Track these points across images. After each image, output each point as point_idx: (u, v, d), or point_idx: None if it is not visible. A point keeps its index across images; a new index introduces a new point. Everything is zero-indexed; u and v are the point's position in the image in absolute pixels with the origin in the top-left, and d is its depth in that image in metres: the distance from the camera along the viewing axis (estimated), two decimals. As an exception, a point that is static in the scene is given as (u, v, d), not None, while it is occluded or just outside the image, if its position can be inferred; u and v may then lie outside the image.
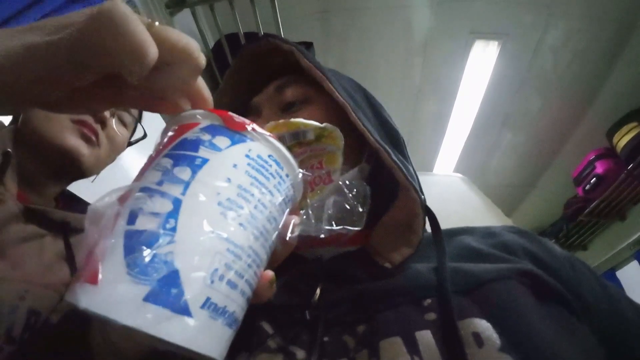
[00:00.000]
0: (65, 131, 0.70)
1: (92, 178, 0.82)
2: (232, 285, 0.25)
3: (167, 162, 0.27)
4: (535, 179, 3.26)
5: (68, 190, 0.82)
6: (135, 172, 0.29)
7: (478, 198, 1.55)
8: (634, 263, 2.46)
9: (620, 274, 2.57)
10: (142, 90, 0.32)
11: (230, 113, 0.31)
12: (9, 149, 0.65)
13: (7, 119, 0.78)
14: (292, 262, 0.36)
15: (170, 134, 0.30)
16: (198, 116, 0.30)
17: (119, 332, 0.36)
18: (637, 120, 2.40)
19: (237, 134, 0.30)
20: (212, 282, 0.24)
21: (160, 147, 0.29)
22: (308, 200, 0.44)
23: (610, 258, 2.64)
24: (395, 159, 0.47)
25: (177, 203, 0.25)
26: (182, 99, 0.34)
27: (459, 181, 1.66)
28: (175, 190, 0.25)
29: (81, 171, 0.74)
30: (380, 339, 0.36)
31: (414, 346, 0.35)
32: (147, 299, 0.22)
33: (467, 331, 0.35)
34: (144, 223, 0.24)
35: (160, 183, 0.26)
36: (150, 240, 0.23)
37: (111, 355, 0.39)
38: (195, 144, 0.28)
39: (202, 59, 0.31)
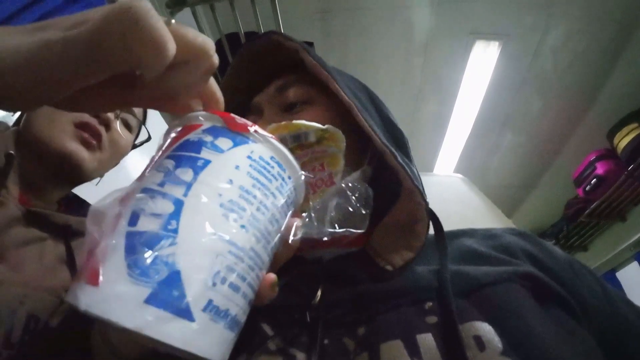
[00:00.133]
0: (65, 136, 0.69)
1: (96, 181, 0.82)
2: (234, 287, 0.25)
3: (169, 163, 0.27)
4: (535, 180, 3.26)
5: (71, 192, 0.82)
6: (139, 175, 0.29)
7: (478, 199, 1.55)
8: (634, 264, 2.46)
9: (621, 274, 2.57)
10: (154, 89, 0.31)
11: (232, 115, 0.31)
12: (12, 151, 0.65)
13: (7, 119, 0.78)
14: (292, 263, 0.36)
15: (172, 135, 0.30)
16: (200, 118, 0.30)
17: (119, 333, 0.36)
18: (637, 121, 2.40)
19: (239, 135, 0.30)
20: (214, 284, 0.24)
21: (163, 149, 0.29)
22: (310, 203, 0.43)
23: (611, 259, 2.64)
24: (401, 162, 0.46)
25: (179, 204, 0.25)
26: (193, 100, 0.33)
27: (459, 182, 1.66)
28: (177, 192, 0.25)
29: (82, 176, 0.74)
30: (380, 341, 0.36)
31: (415, 349, 0.35)
32: (148, 301, 0.21)
33: (469, 334, 0.35)
34: (145, 224, 0.24)
35: (162, 184, 0.25)
36: (152, 241, 0.23)
37: (111, 357, 0.39)
38: (197, 145, 0.28)
39: (216, 59, 0.31)
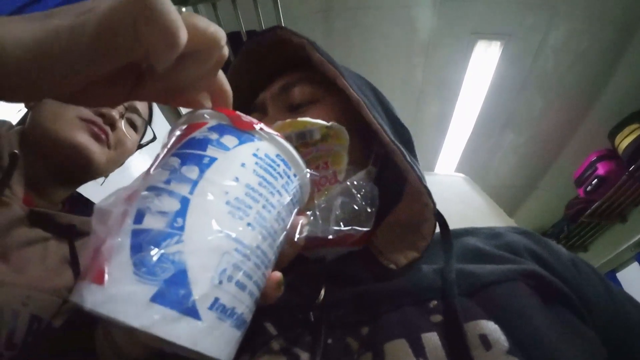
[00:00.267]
0: (74, 128, 0.69)
1: (100, 181, 0.81)
2: (240, 286, 0.25)
3: (175, 161, 0.27)
4: (536, 180, 3.26)
5: (76, 192, 0.81)
6: None
7: (480, 198, 1.55)
8: (635, 265, 2.46)
9: (621, 275, 2.57)
10: (163, 81, 0.31)
11: (238, 112, 0.31)
12: (16, 151, 0.64)
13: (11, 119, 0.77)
14: (295, 262, 0.36)
15: (177, 133, 0.30)
16: (206, 115, 0.30)
17: (124, 333, 0.36)
18: (639, 122, 2.40)
19: (245, 133, 0.29)
20: (221, 282, 0.23)
21: (168, 147, 0.29)
22: (315, 201, 0.43)
23: (611, 259, 2.64)
24: (410, 161, 0.46)
25: (185, 202, 0.24)
26: (202, 93, 0.33)
27: (461, 181, 1.66)
28: (183, 189, 0.25)
29: (91, 170, 0.73)
30: (384, 341, 0.36)
31: (420, 349, 0.34)
32: (154, 299, 0.21)
33: (474, 333, 0.34)
34: (151, 222, 0.23)
35: (168, 182, 0.25)
36: (158, 239, 0.23)
37: (115, 357, 0.39)
38: (203, 143, 0.28)
39: (227, 50, 0.30)
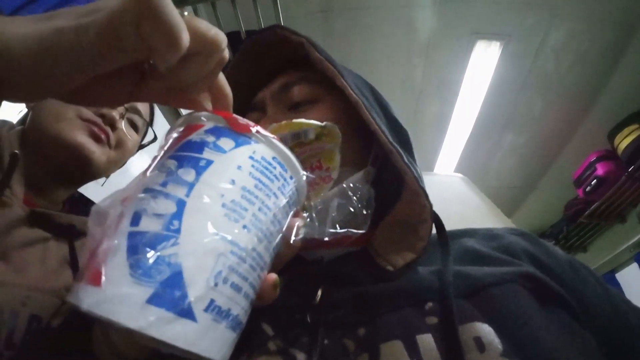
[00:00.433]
0: (74, 128, 0.69)
1: (101, 181, 0.81)
2: (236, 288, 0.25)
3: (172, 164, 0.27)
4: (536, 180, 3.26)
5: (77, 192, 0.81)
6: None
7: (478, 198, 1.55)
8: (634, 265, 2.45)
9: (620, 276, 2.56)
10: (164, 82, 0.31)
11: (234, 115, 0.31)
12: (16, 151, 0.64)
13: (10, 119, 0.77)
14: (292, 263, 0.36)
15: (174, 135, 0.30)
16: (202, 118, 0.30)
17: (121, 333, 0.36)
18: (638, 123, 2.40)
19: (241, 135, 0.30)
20: (216, 284, 0.24)
21: (165, 149, 0.29)
22: (312, 203, 0.43)
23: (610, 260, 2.63)
24: (408, 162, 0.46)
25: (181, 204, 0.25)
26: (202, 95, 0.33)
27: (459, 181, 1.66)
28: (179, 192, 0.25)
29: (91, 171, 0.73)
30: (380, 342, 0.36)
31: (415, 350, 0.34)
32: (150, 301, 0.21)
33: (469, 335, 0.35)
34: (147, 224, 0.24)
35: (164, 184, 0.25)
36: (154, 241, 0.23)
37: (113, 357, 0.39)
38: (199, 146, 0.28)
39: (227, 53, 0.30)
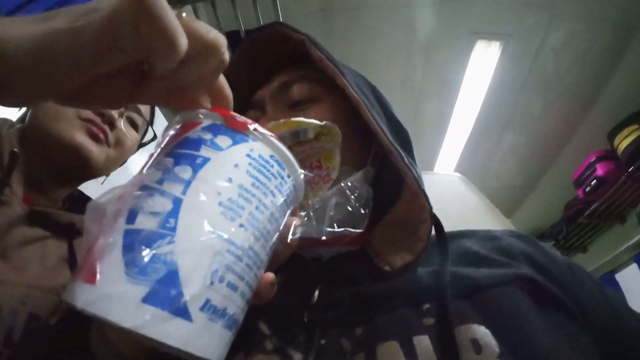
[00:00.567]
0: (73, 128, 0.69)
1: (101, 180, 0.81)
2: (232, 286, 0.25)
3: (168, 161, 0.27)
4: (535, 181, 3.26)
5: (77, 190, 0.81)
6: None
7: (477, 198, 1.55)
8: (634, 266, 2.45)
9: (620, 276, 2.56)
10: (163, 84, 0.31)
11: (232, 112, 0.31)
12: (16, 149, 0.64)
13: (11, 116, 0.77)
14: (291, 262, 0.36)
15: (171, 132, 0.30)
16: (200, 115, 0.30)
17: (118, 332, 0.36)
18: (638, 123, 2.40)
19: (238, 133, 0.29)
20: (212, 283, 0.23)
21: (162, 146, 0.29)
22: (309, 202, 0.43)
23: (610, 261, 2.63)
24: (408, 163, 0.46)
25: (177, 202, 0.24)
26: (203, 96, 0.33)
27: (458, 181, 1.66)
28: (175, 189, 0.25)
29: (90, 170, 0.73)
30: (377, 342, 0.36)
31: (412, 351, 0.34)
32: (145, 300, 0.21)
33: (466, 337, 0.34)
34: (143, 222, 0.23)
35: (160, 182, 0.25)
36: (150, 239, 0.23)
37: (111, 355, 0.39)
38: (196, 143, 0.28)
39: (227, 55, 0.30)
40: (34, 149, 0.69)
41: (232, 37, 1.51)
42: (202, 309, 0.23)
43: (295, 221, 0.33)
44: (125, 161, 0.85)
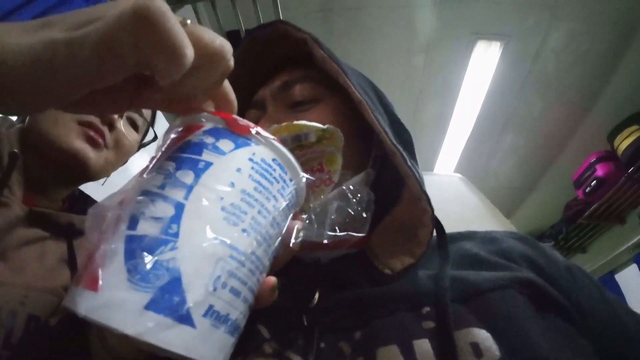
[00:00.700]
0: (71, 134, 0.68)
1: (102, 181, 0.80)
2: (234, 292, 0.25)
3: (170, 165, 0.26)
4: (535, 181, 3.26)
5: (77, 189, 0.81)
6: None
7: (477, 199, 1.55)
8: (633, 266, 2.46)
9: (619, 277, 2.57)
10: (166, 92, 0.30)
11: (234, 116, 0.30)
12: (15, 150, 0.63)
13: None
14: (289, 265, 0.36)
15: (172, 136, 0.29)
16: (202, 119, 0.30)
17: (118, 337, 0.36)
18: (638, 124, 2.41)
19: (241, 137, 0.29)
20: (215, 289, 0.23)
21: (163, 150, 0.28)
22: (311, 205, 0.43)
23: (610, 261, 2.64)
24: (410, 165, 0.46)
25: (179, 208, 0.24)
26: (206, 102, 0.32)
27: (458, 181, 1.66)
28: (178, 195, 0.25)
29: (88, 175, 0.73)
30: (377, 346, 0.35)
31: (411, 355, 0.34)
32: (148, 306, 0.21)
33: (466, 341, 0.34)
34: (145, 228, 0.23)
35: (162, 187, 0.25)
36: (152, 246, 0.22)
37: (109, 358, 0.39)
38: (198, 147, 0.27)
39: (232, 62, 0.29)
40: (34, 150, 0.68)
41: (232, 37, 1.50)
42: (205, 315, 0.23)
43: (297, 225, 0.33)
44: (126, 162, 0.84)
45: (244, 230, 0.26)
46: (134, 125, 0.80)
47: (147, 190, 0.25)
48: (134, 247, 0.22)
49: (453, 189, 1.58)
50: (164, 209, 0.24)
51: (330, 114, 0.51)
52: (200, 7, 1.56)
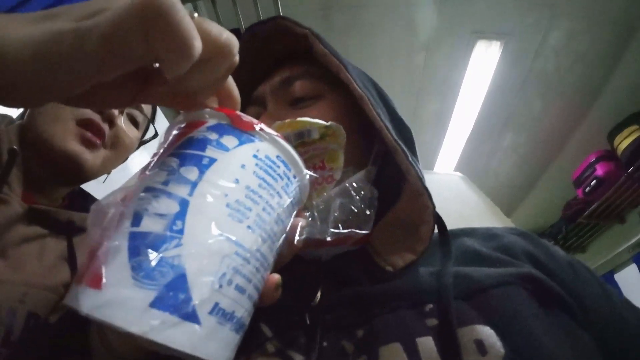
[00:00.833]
0: (68, 136, 0.67)
1: (102, 177, 0.80)
2: (240, 289, 0.24)
3: (174, 162, 0.26)
4: (535, 180, 3.26)
5: (78, 187, 0.80)
6: None
7: (477, 197, 1.55)
8: (633, 266, 2.46)
9: (619, 276, 2.57)
10: (169, 87, 0.29)
11: (238, 112, 0.30)
12: (15, 147, 0.63)
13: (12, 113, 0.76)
14: (291, 262, 0.35)
15: (175, 132, 0.29)
16: (205, 115, 0.29)
17: (120, 335, 0.36)
18: (638, 123, 2.41)
19: (244, 133, 0.29)
20: (221, 286, 0.23)
21: (165, 146, 0.28)
22: (314, 202, 0.43)
23: (609, 261, 2.64)
24: (412, 161, 0.45)
25: (184, 204, 0.24)
26: (210, 98, 0.32)
27: (458, 180, 1.66)
28: (182, 191, 0.24)
29: (84, 176, 0.72)
30: (379, 344, 0.35)
31: (415, 353, 0.34)
32: (153, 304, 0.21)
33: (470, 338, 0.34)
34: (149, 225, 0.23)
35: (166, 183, 0.25)
36: (157, 242, 0.22)
37: (109, 356, 0.38)
38: (202, 143, 0.27)
39: (238, 57, 0.29)
40: (33, 149, 0.68)
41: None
42: (210, 312, 0.22)
43: (301, 222, 0.33)
44: (126, 159, 0.84)
45: (249, 227, 0.25)
46: (134, 122, 0.80)
47: (150, 186, 0.25)
48: (138, 244, 0.22)
49: (453, 188, 1.58)
50: (168, 206, 0.24)
51: (332, 111, 0.50)
52: (201, 5, 1.55)
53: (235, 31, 1.46)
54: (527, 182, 3.30)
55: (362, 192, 0.44)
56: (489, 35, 2.22)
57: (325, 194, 0.45)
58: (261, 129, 0.29)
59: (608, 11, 2.02)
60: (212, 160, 0.26)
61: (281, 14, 1.37)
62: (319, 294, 0.42)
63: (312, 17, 2.12)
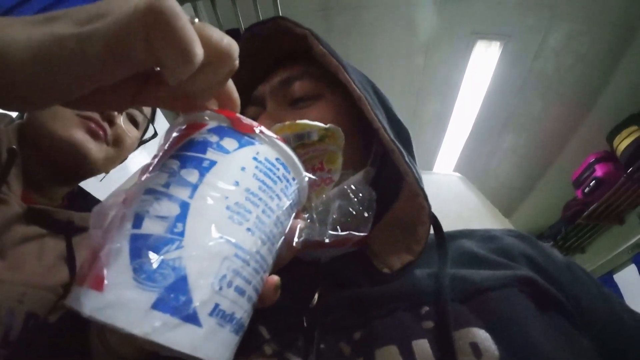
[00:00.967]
0: (71, 126, 0.67)
1: (100, 177, 0.80)
2: (239, 291, 0.25)
3: (174, 164, 0.26)
4: (534, 181, 3.27)
5: (77, 186, 0.80)
6: None
7: (476, 198, 1.55)
8: (632, 267, 2.47)
9: (618, 277, 2.57)
10: (169, 90, 0.29)
11: (238, 114, 0.30)
12: (14, 146, 0.63)
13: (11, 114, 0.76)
14: (289, 263, 0.35)
15: (175, 134, 0.29)
16: (205, 117, 0.29)
17: (120, 336, 0.36)
18: (637, 124, 2.41)
19: (244, 136, 0.29)
20: (221, 288, 0.23)
21: (166, 148, 0.28)
22: (312, 204, 0.43)
23: (608, 261, 2.64)
24: (409, 162, 0.45)
25: (185, 206, 0.24)
26: (210, 101, 0.32)
27: (457, 180, 1.66)
28: (183, 193, 0.24)
29: (89, 168, 0.72)
30: (376, 347, 0.35)
31: (411, 355, 0.34)
32: (154, 306, 0.21)
33: (465, 341, 0.34)
34: (150, 227, 0.23)
35: (167, 185, 0.25)
36: (158, 244, 0.22)
37: (109, 356, 0.39)
38: (202, 146, 0.27)
39: (238, 62, 0.29)
40: (33, 147, 0.68)
41: (232, 36, 1.50)
42: (211, 314, 0.23)
43: (300, 224, 0.33)
44: (125, 159, 0.84)
45: (248, 229, 0.26)
46: (133, 121, 0.80)
47: (151, 188, 0.25)
48: (139, 246, 0.22)
49: (452, 188, 1.58)
50: (169, 208, 0.24)
51: (331, 112, 0.51)
52: (200, 5, 1.55)
53: (235, 31, 1.47)
54: (526, 183, 3.30)
55: (361, 194, 0.44)
56: (488, 36, 2.22)
57: (324, 195, 0.45)
58: (261, 132, 0.30)
59: (608, 12, 2.02)
60: (213, 163, 0.26)
61: (281, 14, 1.37)
62: (316, 296, 0.42)
63: (311, 17, 2.12)
